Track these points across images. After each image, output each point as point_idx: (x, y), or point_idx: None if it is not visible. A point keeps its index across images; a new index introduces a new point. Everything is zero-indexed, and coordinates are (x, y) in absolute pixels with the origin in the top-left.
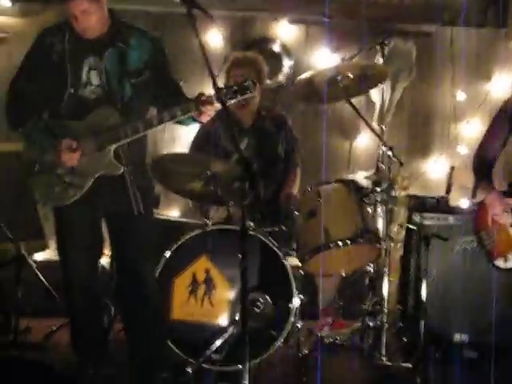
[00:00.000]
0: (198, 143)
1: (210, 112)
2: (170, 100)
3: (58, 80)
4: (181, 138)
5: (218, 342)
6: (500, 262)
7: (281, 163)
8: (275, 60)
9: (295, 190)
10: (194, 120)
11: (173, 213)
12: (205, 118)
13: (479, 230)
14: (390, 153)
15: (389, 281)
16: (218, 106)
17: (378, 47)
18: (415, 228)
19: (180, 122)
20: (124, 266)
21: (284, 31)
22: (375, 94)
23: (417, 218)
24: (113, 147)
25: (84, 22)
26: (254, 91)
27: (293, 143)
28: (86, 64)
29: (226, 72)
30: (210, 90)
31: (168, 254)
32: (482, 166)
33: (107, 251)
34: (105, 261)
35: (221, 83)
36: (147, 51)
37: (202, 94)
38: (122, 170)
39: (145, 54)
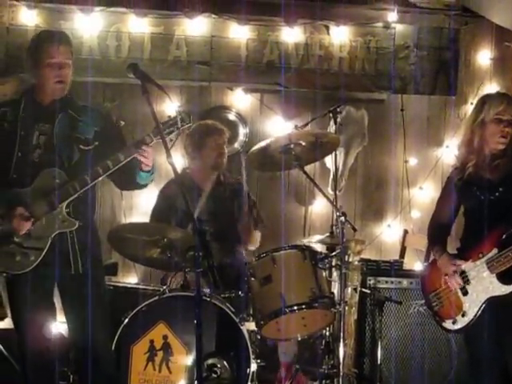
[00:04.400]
0: (159, 209)
1: (149, 156)
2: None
3: (7, 145)
4: (138, 205)
5: None
6: (448, 324)
7: (237, 228)
8: (230, 128)
9: (255, 244)
10: (144, 172)
11: (131, 279)
12: (146, 164)
13: (428, 293)
14: (342, 219)
15: (344, 344)
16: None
17: (330, 115)
18: (369, 292)
19: (134, 179)
20: (73, 334)
21: (239, 100)
22: (329, 160)
23: (371, 281)
24: (64, 204)
25: (67, 74)
26: (191, 122)
27: (251, 206)
28: (36, 129)
29: (198, 141)
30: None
31: (125, 321)
32: (437, 231)
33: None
34: (62, 328)
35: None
36: (97, 125)
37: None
38: (77, 225)
39: (95, 126)
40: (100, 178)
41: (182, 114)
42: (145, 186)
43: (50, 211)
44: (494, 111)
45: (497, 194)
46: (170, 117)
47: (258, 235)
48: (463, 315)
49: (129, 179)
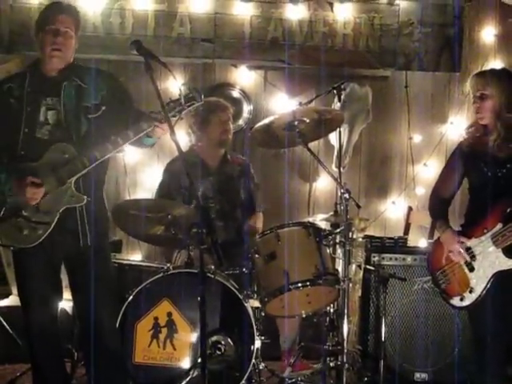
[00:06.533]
0: (165, 186)
1: (163, 127)
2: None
3: (13, 122)
4: (142, 182)
5: None
6: (456, 301)
7: (242, 207)
8: (234, 105)
9: (257, 230)
10: (150, 137)
11: (135, 257)
12: (159, 133)
13: (434, 270)
14: (346, 196)
15: (348, 321)
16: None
17: (334, 92)
18: (373, 269)
19: (139, 144)
20: (80, 308)
21: (243, 77)
22: (333, 137)
23: (375, 258)
24: (73, 180)
25: (65, 42)
26: (201, 100)
27: (254, 189)
28: (43, 104)
29: (202, 118)
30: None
31: (129, 298)
32: (438, 205)
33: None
34: (67, 305)
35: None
36: (103, 87)
37: (152, 112)
38: (85, 201)
39: (101, 90)
40: (109, 155)
41: (193, 92)
42: (150, 146)
43: (58, 186)
44: (472, 88)
45: (504, 170)
46: (180, 94)
47: (260, 218)
48: (471, 291)
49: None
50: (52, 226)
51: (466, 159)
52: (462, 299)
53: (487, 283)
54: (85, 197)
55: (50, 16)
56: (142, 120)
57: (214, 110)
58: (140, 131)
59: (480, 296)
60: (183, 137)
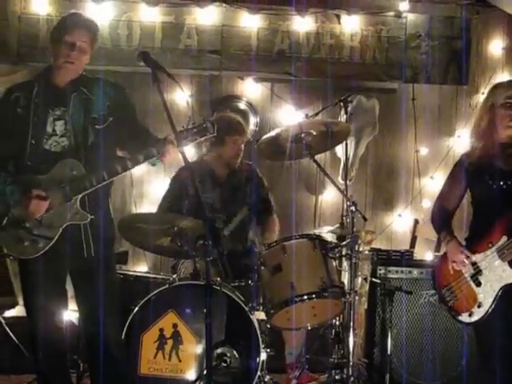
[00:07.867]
0: (171, 195)
1: (173, 154)
2: (139, 142)
3: (20, 132)
4: (149, 194)
5: None
6: (465, 317)
7: (250, 216)
8: (241, 117)
9: (274, 237)
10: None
11: (141, 268)
12: (168, 160)
13: (440, 287)
14: (353, 208)
15: (354, 334)
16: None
17: (341, 104)
18: (379, 282)
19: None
20: (84, 319)
21: (249, 89)
22: (340, 149)
23: (381, 271)
24: (79, 197)
25: (78, 57)
26: (214, 132)
27: (265, 192)
28: (51, 115)
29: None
30: None
31: (135, 309)
32: (441, 216)
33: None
34: (73, 316)
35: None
36: (110, 98)
37: (168, 136)
38: (89, 219)
39: (108, 100)
40: (117, 176)
41: (207, 123)
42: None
43: (64, 202)
44: (504, 96)
45: (509, 182)
46: (194, 124)
47: (276, 222)
48: (479, 306)
49: None
50: (53, 240)
51: (470, 171)
52: (470, 315)
53: (495, 297)
54: (89, 215)
55: (68, 27)
56: (152, 145)
57: (232, 132)
58: (150, 156)
59: (488, 310)
60: (190, 148)
